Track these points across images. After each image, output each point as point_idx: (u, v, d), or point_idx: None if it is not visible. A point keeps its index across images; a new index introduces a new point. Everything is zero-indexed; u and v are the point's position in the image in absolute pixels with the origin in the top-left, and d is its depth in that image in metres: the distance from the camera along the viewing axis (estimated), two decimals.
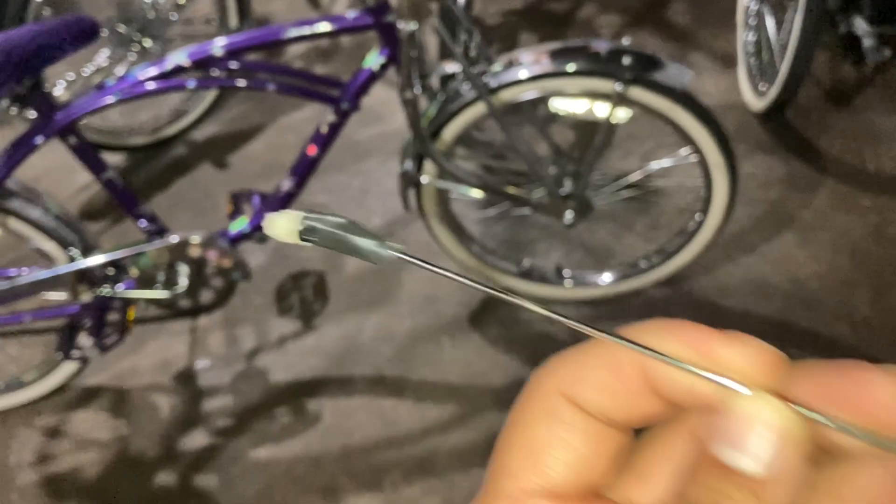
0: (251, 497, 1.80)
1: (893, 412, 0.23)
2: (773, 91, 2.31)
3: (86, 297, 1.77)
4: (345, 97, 1.66)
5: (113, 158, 2.62)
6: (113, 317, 1.84)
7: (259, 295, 2.19)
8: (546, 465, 0.28)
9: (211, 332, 2.14)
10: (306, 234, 0.26)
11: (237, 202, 1.91)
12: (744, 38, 2.56)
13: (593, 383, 0.28)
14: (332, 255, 2.28)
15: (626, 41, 1.64)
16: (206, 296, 1.87)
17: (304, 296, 2.20)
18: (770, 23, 2.41)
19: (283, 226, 0.26)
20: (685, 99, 1.64)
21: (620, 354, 0.27)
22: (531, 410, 0.29)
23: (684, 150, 1.77)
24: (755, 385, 0.25)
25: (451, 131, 1.72)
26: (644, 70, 1.60)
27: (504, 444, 0.29)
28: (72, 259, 1.75)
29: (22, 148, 1.62)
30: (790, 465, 0.24)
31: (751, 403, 0.24)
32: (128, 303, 1.84)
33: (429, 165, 1.77)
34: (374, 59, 1.63)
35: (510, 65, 1.66)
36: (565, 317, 0.27)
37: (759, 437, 0.24)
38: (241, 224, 1.82)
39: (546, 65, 1.64)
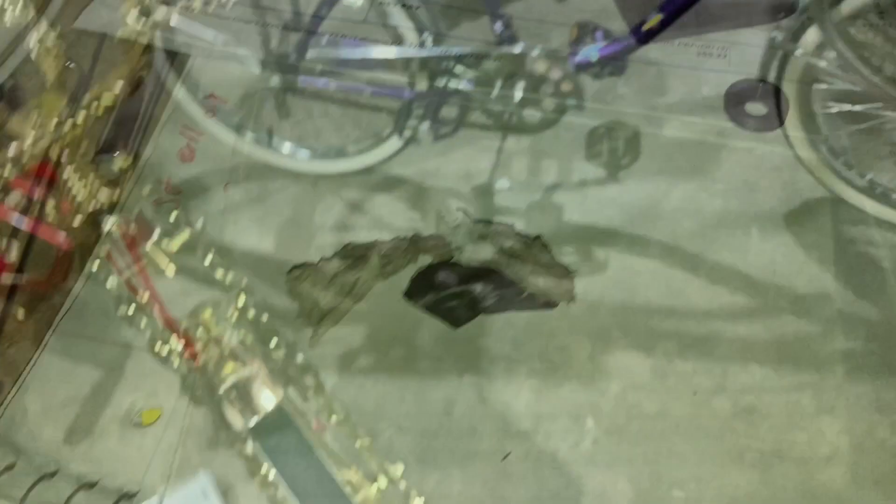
0: (521, 324, 1.83)
1: None
2: None
3: (424, 84, 1.81)
4: None
5: None
6: (445, 112, 1.88)
7: (571, 132, 2.14)
8: None
9: (516, 156, 2.14)
10: None
11: (581, 32, 1.84)
12: None
13: None
14: (653, 113, 2.17)
15: None
16: (529, 116, 1.85)
17: (615, 146, 2.13)
18: None
19: None
20: None
21: None
22: None
23: None
24: None
25: (851, 3, 1.53)
26: None
27: None
28: (422, 45, 1.77)
29: None
30: None
31: None
32: (462, 102, 1.85)
33: (810, 36, 1.59)
34: None
35: None
36: None
37: None
38: (589, 52, 1.76)
39: None
